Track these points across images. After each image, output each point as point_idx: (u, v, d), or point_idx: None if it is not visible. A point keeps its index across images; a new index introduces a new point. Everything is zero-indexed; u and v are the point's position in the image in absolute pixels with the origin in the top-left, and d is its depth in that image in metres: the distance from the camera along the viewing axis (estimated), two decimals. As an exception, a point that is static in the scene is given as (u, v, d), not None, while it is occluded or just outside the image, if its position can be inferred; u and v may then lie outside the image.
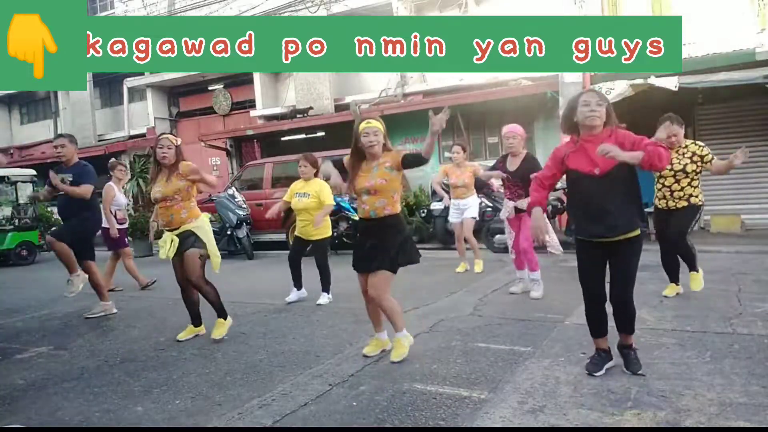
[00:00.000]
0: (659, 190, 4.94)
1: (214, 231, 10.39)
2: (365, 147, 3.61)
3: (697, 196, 4.84)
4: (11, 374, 4.00)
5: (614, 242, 3.15)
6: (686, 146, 4.82)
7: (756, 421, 2.64)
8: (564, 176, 3.31)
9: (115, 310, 5.68)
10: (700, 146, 4.81)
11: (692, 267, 5.00)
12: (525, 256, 5.40)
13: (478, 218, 7.22)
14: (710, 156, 4.76)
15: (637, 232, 3.14)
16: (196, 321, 4.70)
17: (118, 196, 7.27)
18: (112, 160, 8.13)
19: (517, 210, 5.38)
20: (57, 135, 5.81)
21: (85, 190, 5.36)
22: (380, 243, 3.62)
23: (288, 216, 8.94)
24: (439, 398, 3.10)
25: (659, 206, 4.99)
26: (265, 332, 4.76)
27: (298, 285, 5.97)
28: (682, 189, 4.81)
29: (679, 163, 4.78)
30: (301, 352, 4.13)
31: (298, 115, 13.16)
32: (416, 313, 4.99)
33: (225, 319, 4.57)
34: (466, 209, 6.97)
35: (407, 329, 3.83)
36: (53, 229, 5.66)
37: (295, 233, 5.98)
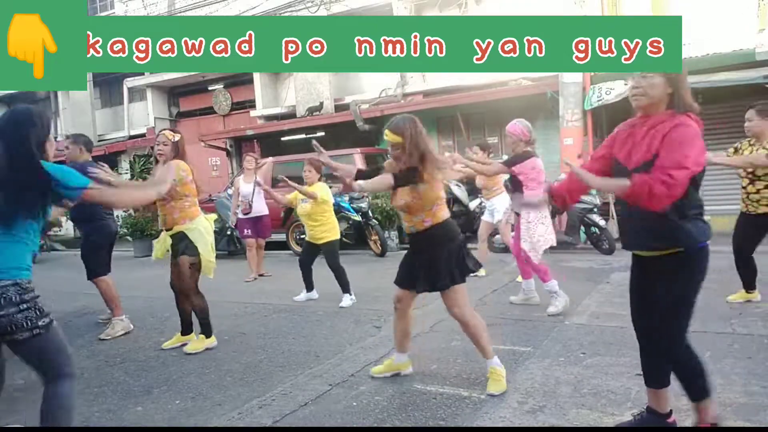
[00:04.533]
0: (741, 190, 4.53)
1: (214, 231, 10.34)
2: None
3: None
4: (11, 374, 3.98)
5: (654, 258, 2.39)
6: (765, 145, 4.32)
7: (756, 421, 2.64)
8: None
9: (131, 327, 5.17)
10: None
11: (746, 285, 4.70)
12: (528, 264, 5.00)
13: (505, 221, 6.48)
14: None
15: (675, 249, 2.31)
16: (186, 329, 4.55)
17: (242, 186, 7.61)
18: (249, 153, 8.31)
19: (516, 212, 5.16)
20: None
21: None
22: (434, 257, 3.22)
23: (288, 216, 8.94)
24: (439, 398, 3.10)
25: (741, 209, 4.58)
26: (265, 332, 4.76)
27: (309, 287, 5.99)
28: (758, 191, 4.36)
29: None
30: (301, 352, 4.13)
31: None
32: (416, 313, 4.97)
33: (207, 337, 4.38)
34: (493, 210, 6.58)
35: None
36: (88, 268, 5.18)
37: (306, 239, 5.97)
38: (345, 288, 5.71)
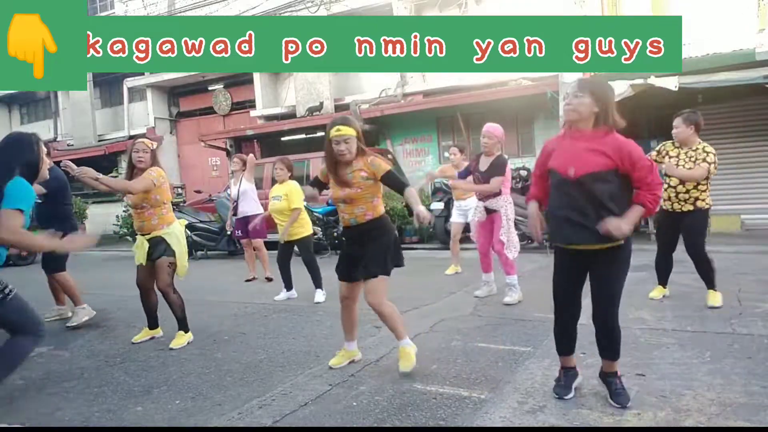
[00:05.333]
0: (665, 190, 4.69)
1: (214, 231, 10.35)
2: (336, 156, 3.43)
3: (704, 200, 4.68)
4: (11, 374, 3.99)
5: (592, 252, 2.80)
6: (696, 149, 4.61)
7: (756, 421, 2.64)
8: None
9: (93, 312, 5.46)
10: (707, 152, 4.56)
11: (710, 285, 4.75)
12: (499, 259, 5.26)
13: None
14: (705, 162, 4.52)
15: (620, 242, 2.73)
16: (152, 323, 4.78)
17: (231, 188, 7.81)
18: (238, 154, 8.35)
19: (488, 210, 5.29)
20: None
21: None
22: (368, 249, 3.47)
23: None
24: (439, 398, 3.10)
25: (664, 207, 4.77)
26: (265, 332, 4.76)
27: (288, 286, 6.09)
28: (687, 192, 4.64)
29: (684, 166, 4.60)
30: (301, 352, 4.13)
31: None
32: (416, 313, 4.99)
33: (185, 332, 4.55)
34: (468, 211, 6.69)
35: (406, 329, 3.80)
36: (48, 264, 5.45)
37: (279, 237, 6.02)
38: (318, 284, 5.87)
